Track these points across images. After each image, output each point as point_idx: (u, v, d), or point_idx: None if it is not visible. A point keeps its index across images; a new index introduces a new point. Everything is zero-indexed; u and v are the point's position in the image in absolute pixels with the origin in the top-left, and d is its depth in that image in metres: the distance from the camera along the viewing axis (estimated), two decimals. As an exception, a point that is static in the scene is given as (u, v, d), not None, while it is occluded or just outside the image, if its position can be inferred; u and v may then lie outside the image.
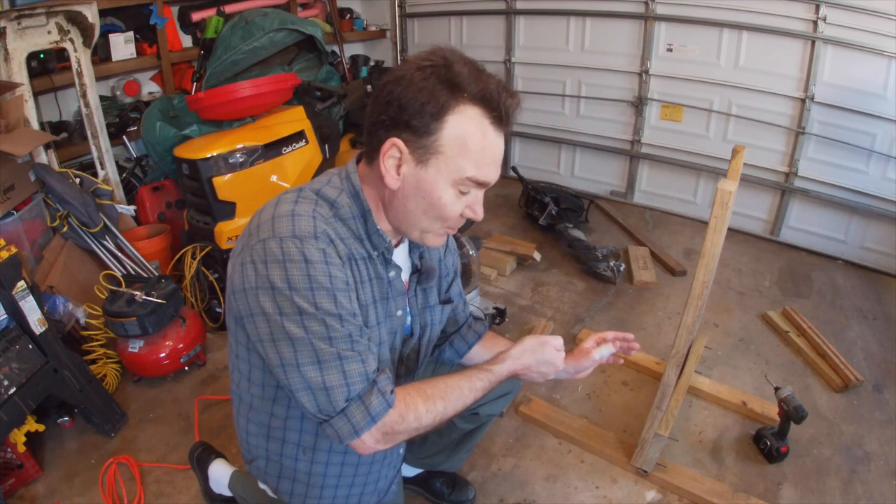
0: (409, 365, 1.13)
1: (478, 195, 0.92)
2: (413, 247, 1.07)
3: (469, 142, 0.85)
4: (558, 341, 1.09)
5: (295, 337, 0.83)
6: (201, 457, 1.52)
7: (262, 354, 0.89)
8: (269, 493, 1.12)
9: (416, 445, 1.44)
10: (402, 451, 1.19)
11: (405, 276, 1.05)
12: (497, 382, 1.03)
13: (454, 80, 0.84)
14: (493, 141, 0.87)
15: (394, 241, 1.00)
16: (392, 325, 1.02)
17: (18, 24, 2.09)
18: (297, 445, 1.01)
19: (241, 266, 0.87)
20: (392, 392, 0.89)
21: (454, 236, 1.19)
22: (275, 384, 0.96)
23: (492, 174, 0.89)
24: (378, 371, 0.90)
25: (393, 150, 0.87)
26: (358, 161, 0.99)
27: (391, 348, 1.03)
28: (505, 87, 0.87)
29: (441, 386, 0.96)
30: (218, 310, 2.30)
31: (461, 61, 0.85)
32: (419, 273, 1.07)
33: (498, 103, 0.85)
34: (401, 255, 1.04)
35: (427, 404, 0.92)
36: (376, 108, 0.88)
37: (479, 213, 0.92)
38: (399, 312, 1.03)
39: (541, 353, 1.07)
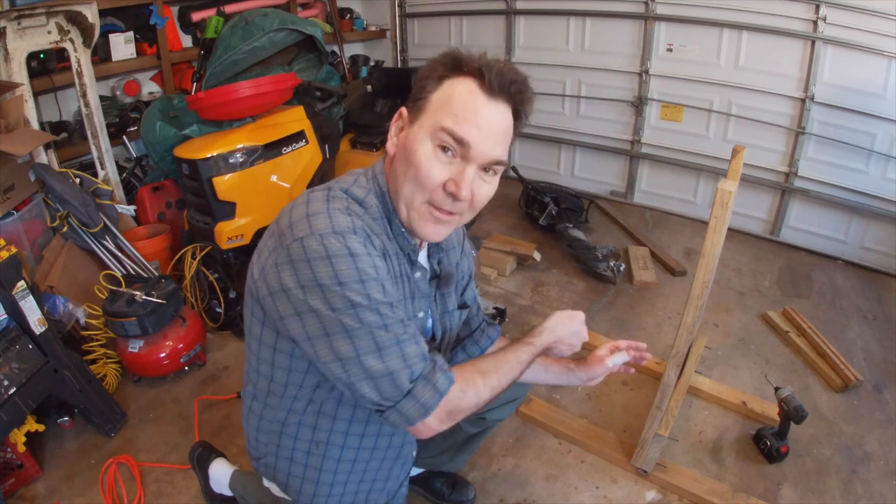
0: None
1: (463, 169, 0.87)
2: (432, 251, 1.07)
3: (453, 98, 0.86)
4: (582, 315, 1.15)
5: (352, 329, 0.83)
6: (202, 456, 1.52)
7: (312, 353, 0.87)
8: (275, 491, 1.12)
9: (421, 446, 1.44)
10: (414, 452, 1.19)
11: (427, 276, 1.06)
12: (538, 354, 1.07)
13: (457, 59, 0.88)
14: (479, 103, 0.86)
15: (416, 244, 1.00)
16: (416, 326, 1.02)
17: (18, 24, 2.09)
18: (311, 441, 1.01)
19: (275, 267, 0.85)
20: (449, 371, 0.91)
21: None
22: (299, 383, 0.96)
23: (473, 134, 0.85)
24: (431, 350, 0.91)
25: (398, 120, 0.94)
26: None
27: None
28: (509, 66, 0.88)
29: (491, 361, 0.99)
30: (218, 310, 2.30)
31: (477, 53, 0.89)
32: (438, 278, 1.08)
33: (490, 72, 0.85)
34: (422, 262, 1.04)
35: (484, 378, 0.94)
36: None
37: (460, 188, 0.86)
38: (421, 314, 1.04)
39: (571, 325, 1.13)
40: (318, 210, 0.85)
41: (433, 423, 0.88)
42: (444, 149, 0.86)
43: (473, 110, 0.85)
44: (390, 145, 0.94)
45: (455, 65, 0.87)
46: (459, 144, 0.85)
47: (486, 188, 0.91)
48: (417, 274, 1.00)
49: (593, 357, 1.23)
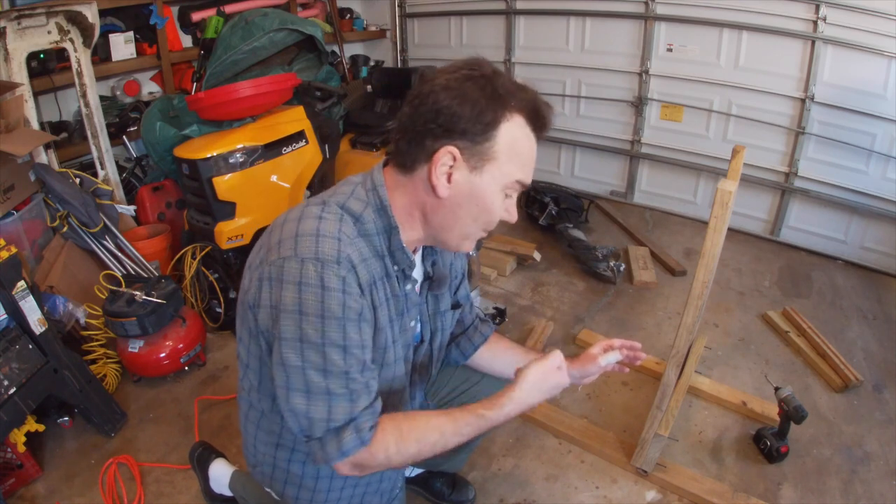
0: (422, 371, 1.13)
1: (513, 200, 0.95)
2: (426, 254, 1.06)
3: (519, 147, 0.88)
4: (557, 358, 1.02)
5: (290, 363, 0.83)
6: (202, 457, 1.52)
7: (268, 374, 0.90)
8: (274, 495, 1.12)
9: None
10: None
11: (417, 284, 1.05)
12: (490, 428, 0.96)
13: (501, 91, 0.86)
14: (534, 147, 0.91)
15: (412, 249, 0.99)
16: (406, 339, 1.02)
17: (18, 24, 2.09)
18: (307, 453, 1.01)
19: (258, 281, 0.86)
20: (371, 428, 0.88)
21: None
22: None
23: (531, 176, 0.93)
24: (366, 407, 0.87)
25: (446, 158, 0.86)
26: (385, 166, 0.97)
27: (405, 359, 1.04)
28: (542, 98, 0.91)
29: (422, 426, 0.92)
30: (218, 310, 2.30)
31: (502, 74, 0.89)
32: (431, 280, 1.07)
33: (540, 112, 0.89)
34: (416, 265, 1.02)
35: (399, 445, 0.90)
36: (422, 117, 0.86)
37: (514, 215, 0.95)
38: (412, 323, 1.03)
39: (546, 385, 1.00)
40: (307, 230, 0.84)
41: (342, 470, 0.89)
42: (510, 195, 0.93)
43: (534, 155, 0.92)
44: (441, 188, 0.88)
45: (502, 97, 0.86)
46: (524, 188, 0.93)
47: None
48: (408, 286, 0.99)
49: (586, 355, 1.21)
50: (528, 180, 0.91)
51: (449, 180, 0.88)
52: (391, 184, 0.93)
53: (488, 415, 0.95)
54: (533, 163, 0.92)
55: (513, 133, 0.87)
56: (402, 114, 0.90)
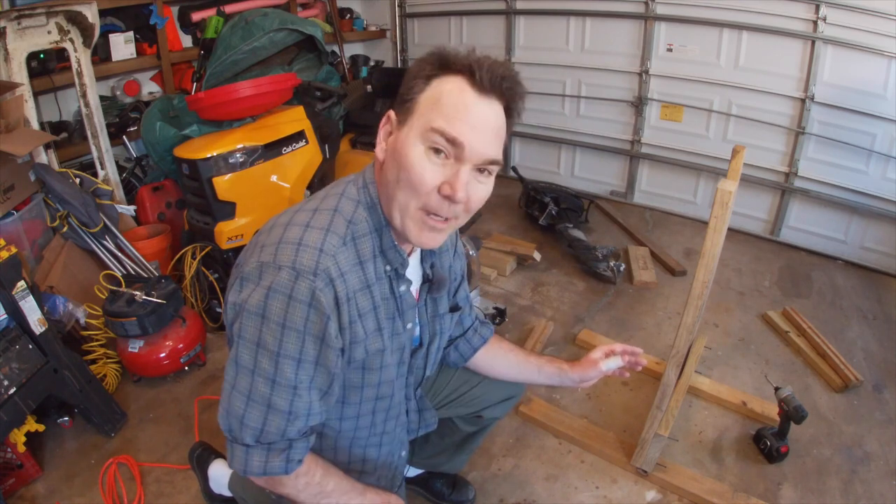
0: (417, 375, 1.12)
1: (457, 170, 0.83)
2: (425, 256, 1.05)
3: (443, 98, 0.83)
4: None
5: (242, 363, 0.84)
6: (201, 457, 1.52)
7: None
8: (272, 496, 1.12)
9: (418, 447, 1.44)
10: (404, 454, 1.19)
11: (415, 286, 1.03)
12: None
13: (445, 57, 0.85)
14: (470, 101, 0.83)
15: (407, 251, 0.97)
16: (401, 342, 1.00)
17: (18, 24, 2.09)
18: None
19: (238, 280, 0.86)
20: (299, 462, 0.89)
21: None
22: None
23: (466, 133, 0.81)
24: (301, 434, 0.88)
25: (386, 124, 0.90)
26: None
27: (400, 362, 1.02)
28: (499, 61, 0.85)
29: (338, 490, 0.95)
30: (218, 310, 2.30)
31: (466, 50, 0.86)
32: (430, 283, 1.05)
33: (480, 71, 0.82)
34: (413, 266, 1.01)
35: (309, 490, 0.93)
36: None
37: (456, 190, 0.82)
38: (409, 325, 1.01)
39: None
40: (291, 238, 0.84)
41: (253, 479, 0.92)
42: (437, 151, 0.82)
43: (465, 109, 0.82)
44: (379, 150, 0.90)
45: (443, 63, 0.85)
46: (452, 145, 0.82)
47: (481, 189, 0.88)
48: (402, 287, 0.97)
49: (587, 360, 1.22)
50: (454, 132, 0.81)
51: (386, 143, 0.90)
52: (379, 180, 0.93)
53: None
54: (468, 119, 0.82)
55: (441, 87, 0.84)
56: None
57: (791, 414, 1.60)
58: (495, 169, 0.88)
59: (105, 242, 2.19)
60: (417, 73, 0.86)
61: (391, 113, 0.89)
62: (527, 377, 1.29)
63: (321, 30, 2.70)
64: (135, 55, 2.82)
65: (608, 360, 1.20)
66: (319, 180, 2.48)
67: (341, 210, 0.89)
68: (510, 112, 0.88)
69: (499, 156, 0.86)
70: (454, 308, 1.17)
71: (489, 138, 0.84)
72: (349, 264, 0.86)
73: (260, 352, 0.83)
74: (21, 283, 1.55)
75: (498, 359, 1.28)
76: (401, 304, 0.97)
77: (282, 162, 2.26)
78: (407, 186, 0.84)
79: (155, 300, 1.92)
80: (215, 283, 2.29)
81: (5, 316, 1.57)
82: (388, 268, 0.93)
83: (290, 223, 0.86)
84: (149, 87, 3.09)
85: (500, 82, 0.83)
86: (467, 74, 0.83)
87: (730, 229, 1.61)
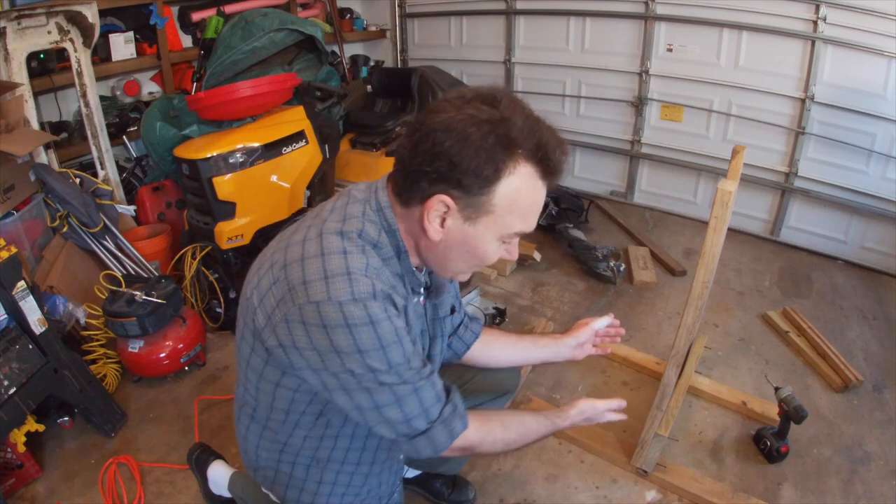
0: None
1: (515, 242, 0.93)
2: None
3: (520, 200, 0.83)
4: (611, 404, 1.15)
5: (372, 389, 0.85)
6: (200, 458, 1.52)
7: (328, 398, 0.89)
8: (273, 497, 1.13)
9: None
10: (401, 456, 1.19)
11: (420, 296, 1.05)
12: (552, 433, 1.11)
13: (510, 136, 0.79)
14: (541, 195, 0.86)
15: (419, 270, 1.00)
16: None
17: (18, 24, 2.09)
18: (312, 458, 1.02)
19: (286, 323, 0.82)
20: (466, 414, 0.95)
21: None
22: (301, 410, 0.96)
23: (535, 223, 0.90)
24: (451, 390, 0.95)
25: (439, 206, 0.83)
26: (389, 181, 0.92)
27: None
28: (558, 140, 0.84)
29: (517, 420, 1.07)
30: (218, 310, 2.30)
31: (518, 112, 0.81)
32: (429, 290, 1.07)
33: (551, 160, 0.82)
34: (423, 282, 1.04)
35: (505, 433, 1.01)
36: (420, 156, 0.81)
37: (515, 255, 0.94)
38: (420, 331, 1.03)
39: (594, 418, 1.16)
40: (336, 270, 0.81)
41: (446, 454, 0.94)
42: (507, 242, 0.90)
43: (538, 205, 0.87)
44: (433, 232, 0.85)
45: (509, 144, 0.79)
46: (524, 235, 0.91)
47: None
48: (415, 300, 0.99)
49: (578, 324, 1.31)
50: (529, 229, 0.89)
51: (442, 225, 0.85)
52: (397, 212, 0.90)
53: (556, 422, 1.10)
54: (538, 211, 0.88)
55: (515, 185, 0.81)
56: (401, 145, 0.86)
57: (791, 414, 1.60)
58: None
59: (105, 242, 2.19)
60: (485, 161, 0.78)
61: (448, 200, 0.82)
62: (525, 355, 1.31)
63: (321, 30, 2.70)
64: (135, 55, 2.81)
65: (599, 319, 1.30)
66: (319, 180, 2.48)
67: (367, 235, 0.87)
68: None
69: None
70: (451, 310, 1.18)
71: None
72: (391, 283, 0.88)
73: (378, 374, 0.84)
74: (21, 283, 1.55)
75: (494, 346, 1.29)
76: (414, 314, 0.99)
77: (282, 162, 2.26)
78: (478, 265, 0.92)
79: (155, 300, 1.92)
80: (215, 283, 2.29)
81: (5, 316, 1.57)
82: (406, 287, 0.95)
83: (325, 252, 0.83)
84: (149, 87, 3.09)
85: (564, 167, 0.85)
86: (537, 164, 0.82)
87: (730, 229, 1.61)
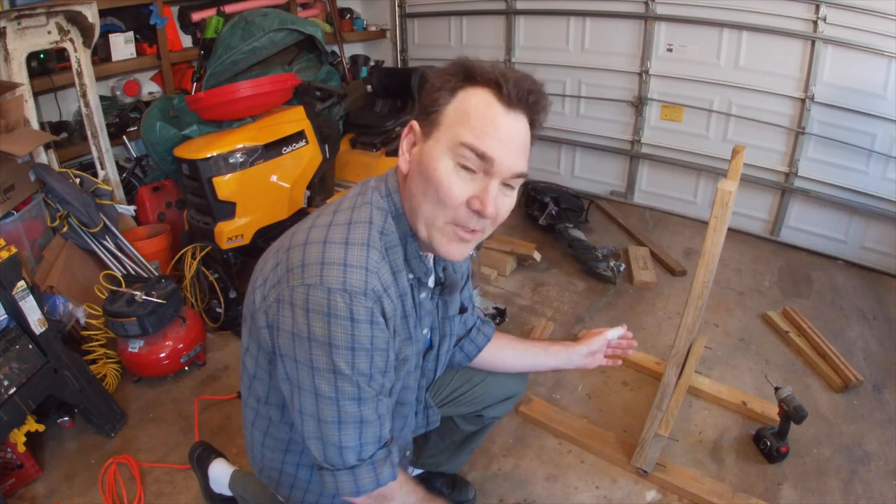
0: (428, 377, 1.13)
1: (486, 184, 0.83)
2: (437, 259, 1.03)
3: (471, 112, 0.82)
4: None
5: (322, 394, 0.83)
6: (201, 457, 1.52)
7: (283, 391, 0.89)
8: (280, 498, 1.13)
9: (418, 446, 1.44)
10: (409, 452, 1.19)
11: (430, 291, 1.04)
12: None
13: (470, 68, 0.83)
14: (498, 115, 0.82)
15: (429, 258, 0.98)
16: (419, 347, 1.02)
17: (18, 24, 2.09)
18: (323, 485, 1.02)
19: (277, 303, 0.84)
20: (397, 464, 0.92)
21: None
22: None
23: (496, 149, 0.81)
24: (391, 435, 0.92)
25: (409, 135, 0.88)
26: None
27: (416, 366, 1.04)
28: (523, 74, 0.84)
29: (426, 499, 0.98)
30: (218, 310, 2.30)
31: (487, 62, 0.85)
32: (443, 286, 1.05)
33: (508, 85, 0.81)
34: (431, 272, 1.02)
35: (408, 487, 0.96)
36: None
37: (486, 205, 0.82)
38: (425, 331, 1.03)
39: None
40: (335, 258, 0.81)
41: (360, 501, 0.90)
42: (466, 167, 0.82)
43: (493, 123, 0.81)
44: (403, 162, 0.89)
45: (468, 74, 0.83)
46: (481, 159, 0.81)
47: (507, 202, 0.88)
48: (423, 294, 0.98)
49: (590, 332, 1.29)
50: (484, 147, 0.81)
51: (410, 154, 0.88)
52: (403, 191, 0.91)
53: None
54: (496, 133, 0.81)
55: (467, 100, 0.83)
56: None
57: (791, 414, 1.60)
58: (520, 181, 0.88)
59: (105, 242, 2.19)
60: (442, 85, 0.84)
61: (414, 123, 0.88)
62: (535, 361, 1.30)
63: (321, 30, 2.70)
64: (135, 55, 2.82)
65: (612, 329, 1.26)
66: (320, 180, 2.48)
67: (374, 222, 0.87)
68: (534, 124, 0.87)
69: (525, 169, 0.87)
70: (462, 309, 1.17)
71: (517, 152, 0.84)
72: (388, 278, 0.87)
73: (338, 378, 0.82)
74: (21, 283, 1.55)
75: (504, 350, 1.29)
76: (420, 310, 0.98)
77: (282, 162, 2.26)
78: (435, 200, 0.84)
79: (155, 300, 1.92)
80: (215, 283, 2.28)
81: (5, 316, 1.57)
82: (411, 276, 0.93)
83: (328, 240, 0.84)
84: (149, 87, 3.09)
85: (526, 96, 0.83)
86: (494, 87, 0.82)
87: (730, 229, 1.61)
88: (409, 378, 1.02)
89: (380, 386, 0.87)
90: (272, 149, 2.22)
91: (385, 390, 0.89)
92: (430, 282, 1.01)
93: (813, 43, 2.64)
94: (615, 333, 1.27)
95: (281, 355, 0.86)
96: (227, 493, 1.44)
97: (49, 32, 2.21)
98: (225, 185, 2.11)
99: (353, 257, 0.82)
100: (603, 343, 1.27)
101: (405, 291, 0.92)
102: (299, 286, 0.81)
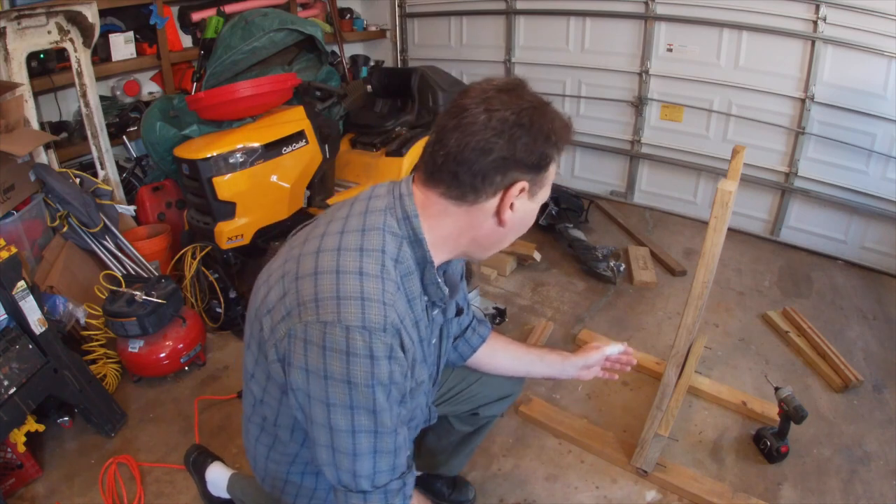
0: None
1: None
2: (438, 266, 1.03)
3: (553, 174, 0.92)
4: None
5: (338, 428, 0.82)
6: (197, 460, 1.51)
7: (299, 418, 0.87)
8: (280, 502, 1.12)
9: (416, 448, 1.44)
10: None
11: None
12: None
13: (549, 131, 0.86)
14: None
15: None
16: (430, 363, 1.03)
17: (18, 24, 2.09)
18: (321, 471, 1.02)
19: (289, 338, 0.81)
20: (411, 496, 0.92)
21: None
22: (305, 428, 0.94)
23: None
24: (408, 466, 0.91)
25: (519, 193, 0.86)
26: (429, 186, 0.88)
27: (429, 382, 1.05)
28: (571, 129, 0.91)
29: None
30: (218, 310, 2.30)
31: (539, 98, 0.88)
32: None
33: (571, 136, 0.90)
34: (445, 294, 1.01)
35: None
36: (483, 153, 0.82)
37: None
38: (434, 341, 1.03)
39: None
40: (351, 293, 0.79)
41: None
42: None
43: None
44: (507, 217, 0.87)
45: (550, 140, 0.85)
46: None
47: None
48: (435, 311, 0.98)
49: (588, 346, 1.28)
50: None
51: (512, 209, 0.87)
52: (434, 212, 0.87)
53: None
54: None
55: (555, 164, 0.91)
56: (448, 150, 0.83)
57: (791, 414, 1.60)
58: None
59: (105, 242, 2.19)
60: (553, 146, 0.86)
61: (525, 185, 0.86)
62: (529, 368, 1.30)
63: (321, 30, 2.70)
64: (135, 55, 2.82)
65: (611, 345, 1.25)
66: (320, 180, 2.48)
67: (387, 251, 0.84)
68: None
69: None
70: (459, 311, 1.17)
71: None
72: (404, 309, 0.85)
73: (356, 413, 0.81)
74: (21, 283, 1.55)
75: (499, 353, 1.28)
76: (432, 326, 0.98)
77: (282, 162, 2.26)
78: (515, 237, 0.95)
79: (155, 300, 1.92)
80: (215, 283, 2.28)
81: (5, 316, 1.57)
82: (426, 299, 0.93)
83: (341, 270, 0.81)
84: (149, 87, 3.09)
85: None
86: (568, 138, 0.89)
87: (730, 229, 1.61)
88: (422, 396, 1.03)
89: (397, 417, 0.86)
90: (272, 149, 2.22)
91: (403, 419, 0.88)
92: (444, 303, 1.01)
93: (813, 43, 2.64)
94: (615, 350, 1.25)
95: (293, 389, 0.84)
96: (226, 496, 1.44)
97: (49, 32, 2.21)
98: (225, 185, 2.11)
99: (370, 289, 0.80)
100: (600, 358, 1.26)
101: (420, 318, 0.91)
102: (314, 323, 0.79)
